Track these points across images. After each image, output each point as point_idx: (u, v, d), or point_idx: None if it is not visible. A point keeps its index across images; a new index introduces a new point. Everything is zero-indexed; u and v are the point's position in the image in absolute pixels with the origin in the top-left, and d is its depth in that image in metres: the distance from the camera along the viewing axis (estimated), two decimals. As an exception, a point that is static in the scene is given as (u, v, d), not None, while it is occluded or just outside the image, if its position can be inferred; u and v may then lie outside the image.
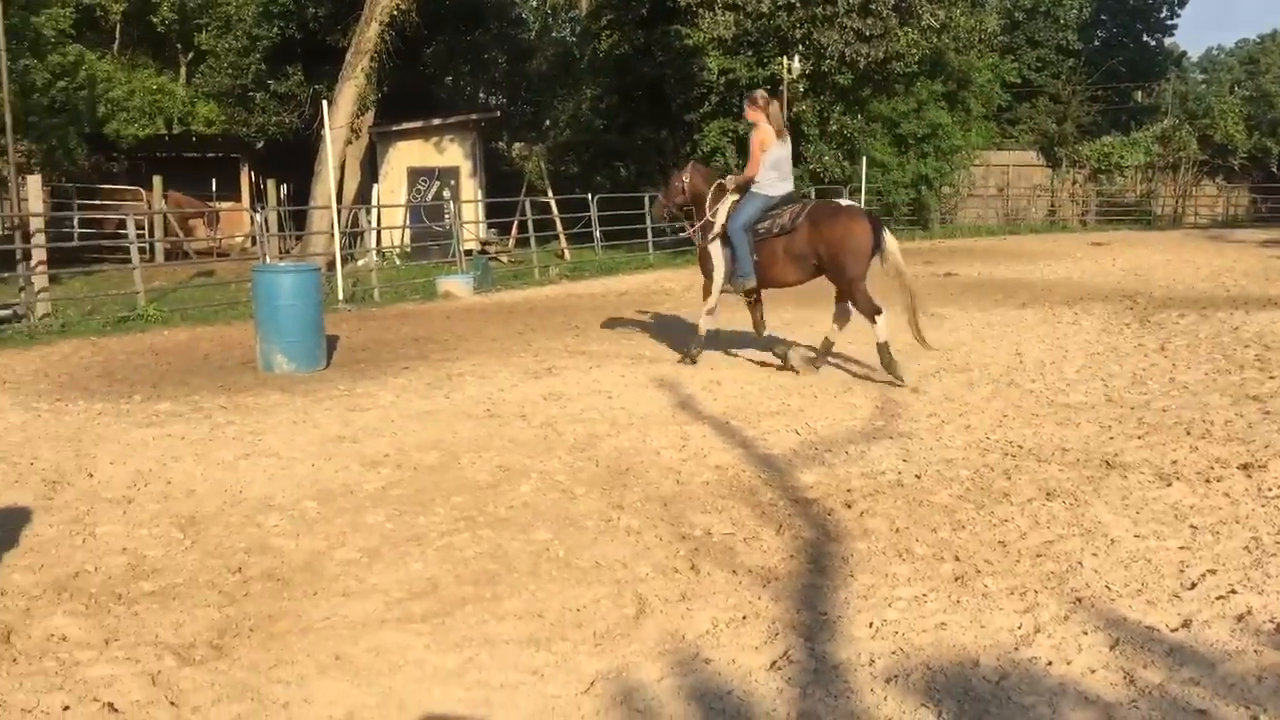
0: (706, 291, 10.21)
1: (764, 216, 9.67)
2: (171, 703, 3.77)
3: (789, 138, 10.06)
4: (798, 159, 27.64)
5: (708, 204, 10.01)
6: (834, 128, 27.63)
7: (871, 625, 4.35)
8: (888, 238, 9.38)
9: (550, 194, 24.57)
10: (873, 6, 25.54)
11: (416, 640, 4.24)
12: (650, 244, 23.49)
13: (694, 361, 10.14)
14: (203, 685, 3.88)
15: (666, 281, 18.63)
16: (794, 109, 26.55)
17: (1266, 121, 35.65)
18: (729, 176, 10.20)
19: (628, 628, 4.36)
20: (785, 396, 8.78)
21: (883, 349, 9.36)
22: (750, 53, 26.35)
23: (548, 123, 37.67)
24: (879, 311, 9.35)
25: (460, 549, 5.27)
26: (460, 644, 4.21)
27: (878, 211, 29.22)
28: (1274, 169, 34.70)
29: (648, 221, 23.27)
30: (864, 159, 28.26)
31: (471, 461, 6.87)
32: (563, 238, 24.04)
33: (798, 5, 25.38)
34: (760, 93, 9.99)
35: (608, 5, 28.39)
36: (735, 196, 9.89)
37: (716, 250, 10.00)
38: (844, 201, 10.69)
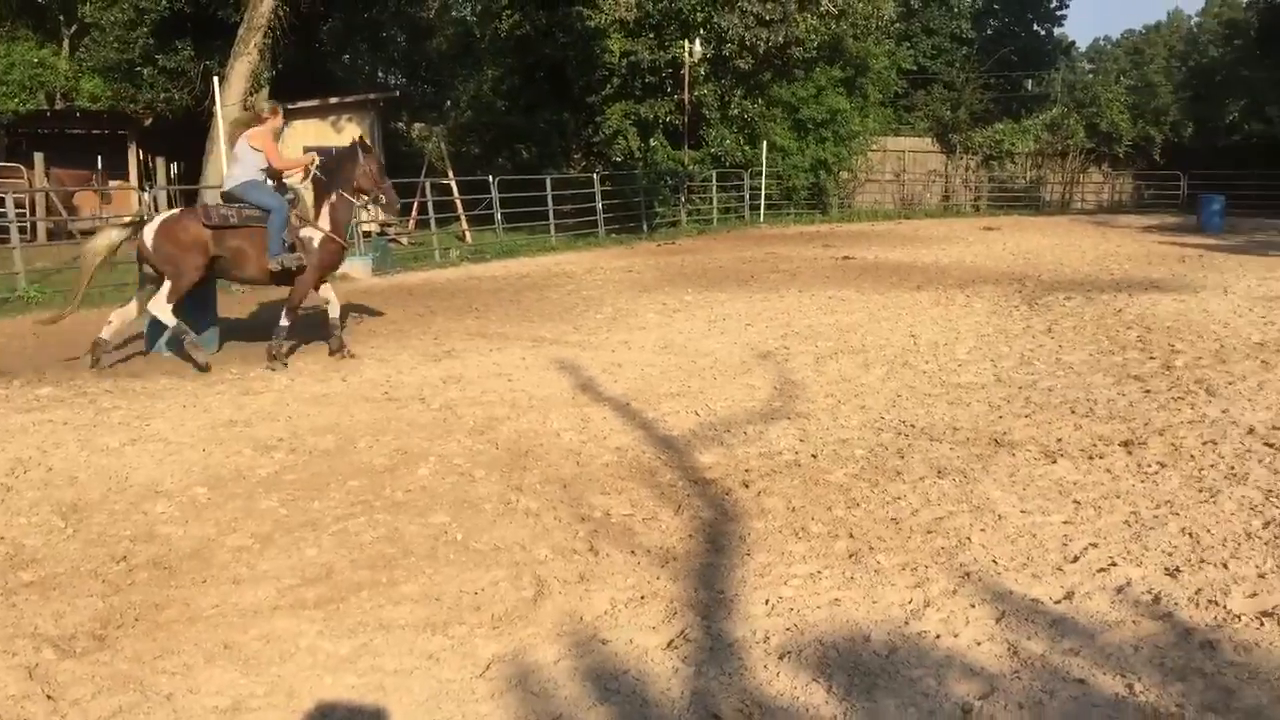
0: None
1: None
2: (49, 696, 3.64)
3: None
4: (700, 143, 27.88)
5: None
6: (734, 112, 27.83)
7: (767, 603, 4.40)
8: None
9: (451, 175, 24.31)
10: (773, -9, 25.77)
11: (309, 627, 4.17)
12: (552, 226, 23.38)
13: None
14: (83, 677, 3.76)
15: (568, 264, 18.57)
16: (695, 92, 26.67)
17: (1149, 110, 36.81)
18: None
19: (526, 610, 4.34)
20: (685, 379, 8.83)
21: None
22: (652, 35, 26.37)
23: (448, 103, 37.19)
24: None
25: (356, 534, 5.19)
26: (354, 630, 4.15)
27: (777, 196, 29.75)
28: (1156, 156, 35.83)
29: (549, 203, 23.15)
30: (764, 143, 28.51)
31: (368, 445, 6.77)
32: (464, 220, 23.79)
33: (700, -12, 25.50)
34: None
35: (509, -16, 28.14)
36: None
37: None
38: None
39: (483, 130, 31.61)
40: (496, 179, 23.18)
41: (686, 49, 25.59)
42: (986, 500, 5.66)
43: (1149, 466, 6.21)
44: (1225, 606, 4.27)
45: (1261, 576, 4.56)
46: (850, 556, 4.90)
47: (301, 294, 9.81)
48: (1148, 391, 8.12)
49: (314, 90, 26.68)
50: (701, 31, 26.08)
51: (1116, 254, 19.63)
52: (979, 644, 4.01)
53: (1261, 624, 4.12)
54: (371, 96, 27.78)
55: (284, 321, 9.66)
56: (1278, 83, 32.73)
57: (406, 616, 4.27)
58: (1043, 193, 36.57)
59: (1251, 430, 6.91)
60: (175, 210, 10.02)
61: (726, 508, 5.59)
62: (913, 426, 7.24)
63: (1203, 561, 4.74)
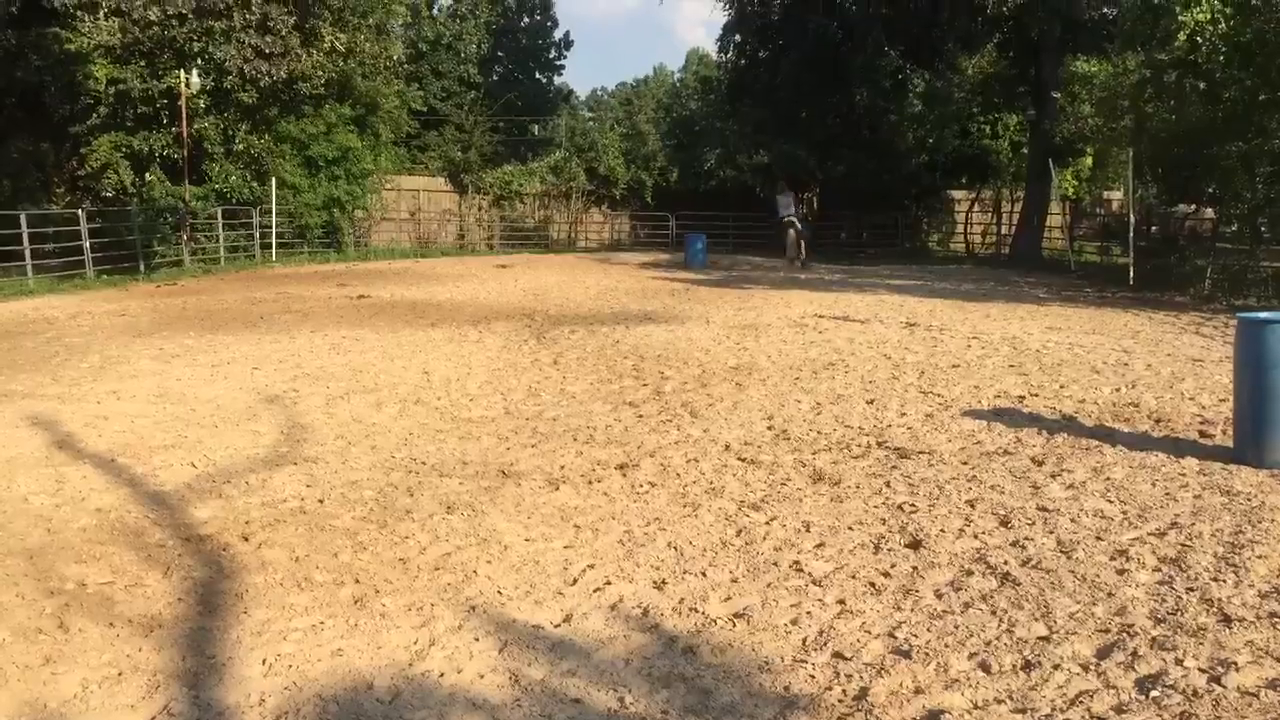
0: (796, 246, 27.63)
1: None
2: None
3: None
4: (203, 178, 26.41)
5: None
6: (240, 147, 26.68)
7: (265, 662, 4.15)
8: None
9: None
10: (271, 24, 24.98)
11: None
12: (29, 267, 21.01)
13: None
14: None
15: (50, 309, 16.76)
16: (195, 125, 25.28)
17: (640, 156, 39.97)
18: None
19: (-24, 706, 3.79)
20: (182, 429, 8.23)
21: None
22: (143, 63, 24.66)
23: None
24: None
25: None
26: None
27: (290, 234, 28.86)
28: (648, 199, 38.92)
29: (25, 242, 20.82)
30: (273, 180, 27.56)
31: None
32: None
33: (191, 16, 24.16)
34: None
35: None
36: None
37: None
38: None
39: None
40: (-41, 216, 20.47)
41: (183, 79, 24.18)
42: (493, 532, 5.76)
43: (641, 487, 6.64)
44: (704, 612, 4.63)
45: (734, 581, 5.00)
46: (355, 603, 4.77)
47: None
48: (641, 416, 8.71)
49: None
50: (199, 62, 24.77)
51: (616, 289, 21.01)
52: (482, 677, 4.04)
53: (734, 625, 4.50)
54: None
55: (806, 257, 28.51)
56: (744, 135, 36.67)
57: None
58: (551, 231, 38.41)
59: (727, 447, 7.62)
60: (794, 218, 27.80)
61: (223, 564, 5.23)
62: (423, 464, 7.23)
63: (685, 572, 5.12)
